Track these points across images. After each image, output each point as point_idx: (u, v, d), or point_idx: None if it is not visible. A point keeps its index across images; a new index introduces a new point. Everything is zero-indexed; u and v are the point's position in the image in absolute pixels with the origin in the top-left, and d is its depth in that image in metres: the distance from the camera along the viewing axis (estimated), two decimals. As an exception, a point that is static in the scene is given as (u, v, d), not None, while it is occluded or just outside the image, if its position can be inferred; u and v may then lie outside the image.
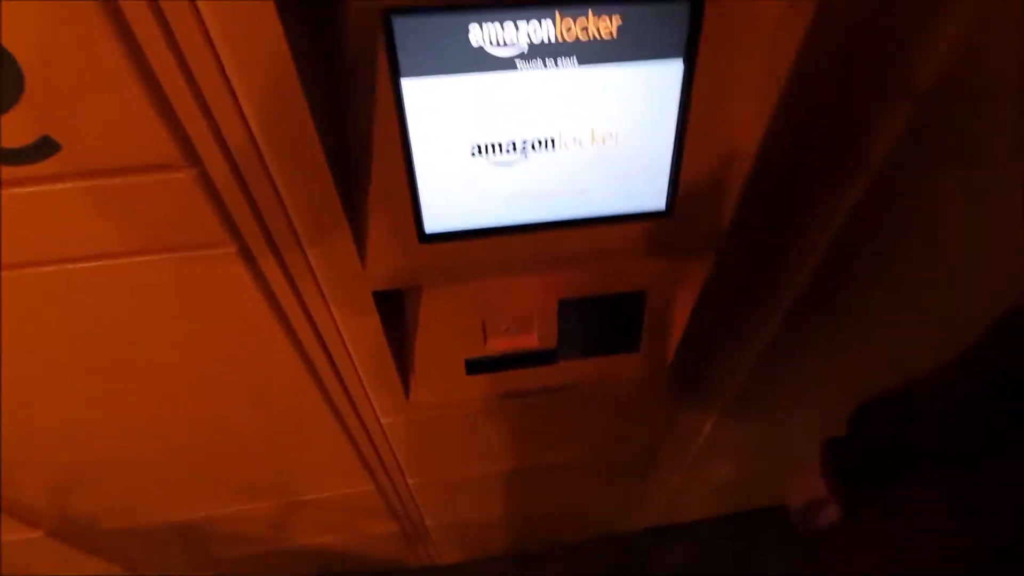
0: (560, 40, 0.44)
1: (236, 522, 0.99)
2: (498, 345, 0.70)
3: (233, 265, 0.48)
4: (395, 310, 0.64)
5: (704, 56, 0.46)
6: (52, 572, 1.00)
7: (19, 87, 0.35)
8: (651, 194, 0.54)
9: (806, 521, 0.55)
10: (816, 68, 0.46)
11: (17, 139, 0.37)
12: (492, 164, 0.50)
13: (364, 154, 0.47)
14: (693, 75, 0.47)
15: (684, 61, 0.47)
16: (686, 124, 0.50)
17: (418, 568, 1.50)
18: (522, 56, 0.44)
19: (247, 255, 0.48)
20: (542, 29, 0.43)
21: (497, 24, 0.42)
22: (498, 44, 0.43)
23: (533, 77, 0.45)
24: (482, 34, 0.42)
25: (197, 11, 0.34)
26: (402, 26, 0.41)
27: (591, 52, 0.45)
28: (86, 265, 0.47)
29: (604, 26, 0.44)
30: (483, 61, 0.44)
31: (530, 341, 0.70)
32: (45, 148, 0.38)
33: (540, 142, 0.49)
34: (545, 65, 0.45)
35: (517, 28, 0.42)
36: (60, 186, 0.40)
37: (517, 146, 0.49)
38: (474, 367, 0.71)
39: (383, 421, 0.79)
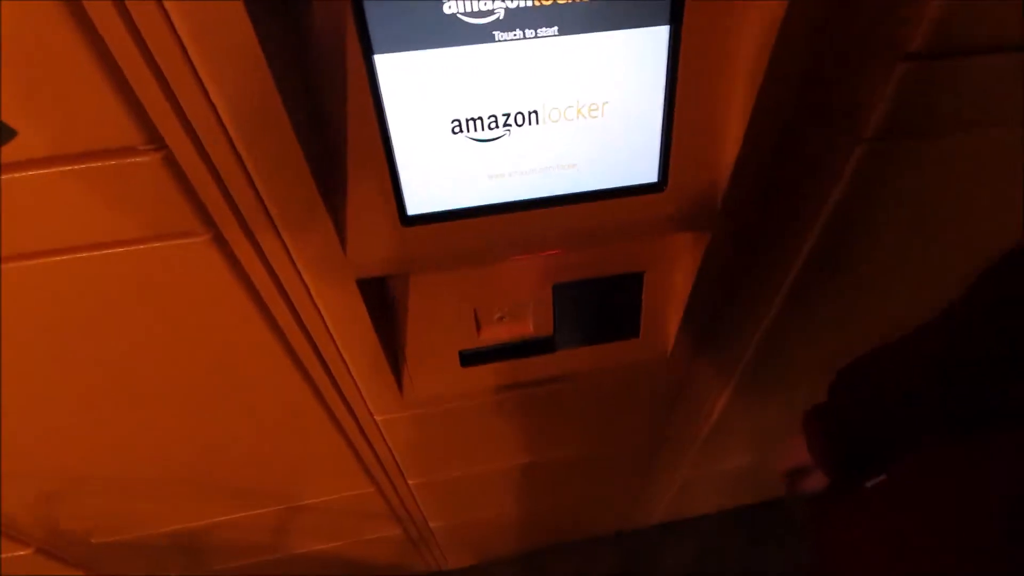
0: (537, 4, 0.42)
1: (233, 530, 0.96)
2: (493, 335, 0.68)
3: (208, 254, 0.46)
4: (384, 303, 0.62)
5: (691, 21, 0.45)
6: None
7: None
8: (642, 167, 0.52)
9: (793, 487, 0.59)
10: (806, 29, 0.44)
11: (-31, 125, 0.35)
12: (474, 140, 0.48)
13: (340, 136, 0.45)
14: (679, 41, 0.46)
15: (670, 26, 0.45)
16: (675, 92, 0.48)
17: (424, 574, 1.47)
18: (499, 25, 0.42)
19: (221, 242, 0.46)
20: (518, -8, 0.41)
21: (471, -13, 0.40)
22: (473, 14, 0.42)
23: (512, 48, 0.43)
24: (456, 0, 0.41)
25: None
26: (372, -2, 0.39)
27: (572, 20, 0.43)
28: (55, 259, 0.45)
29: (583, -11, 0.42)
30: (459, 33, 0.42)
31: (525, 329, 0.68)
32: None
33: (523, 116, 0.47)
34: (524, 35, 0.43)
35: (492, -9, 0.41)
36: (18, 175, 0.39)
37: (499, 120, 0.47)
38: (469, 359, 0.69)
39: (378, 419, 0.77)
